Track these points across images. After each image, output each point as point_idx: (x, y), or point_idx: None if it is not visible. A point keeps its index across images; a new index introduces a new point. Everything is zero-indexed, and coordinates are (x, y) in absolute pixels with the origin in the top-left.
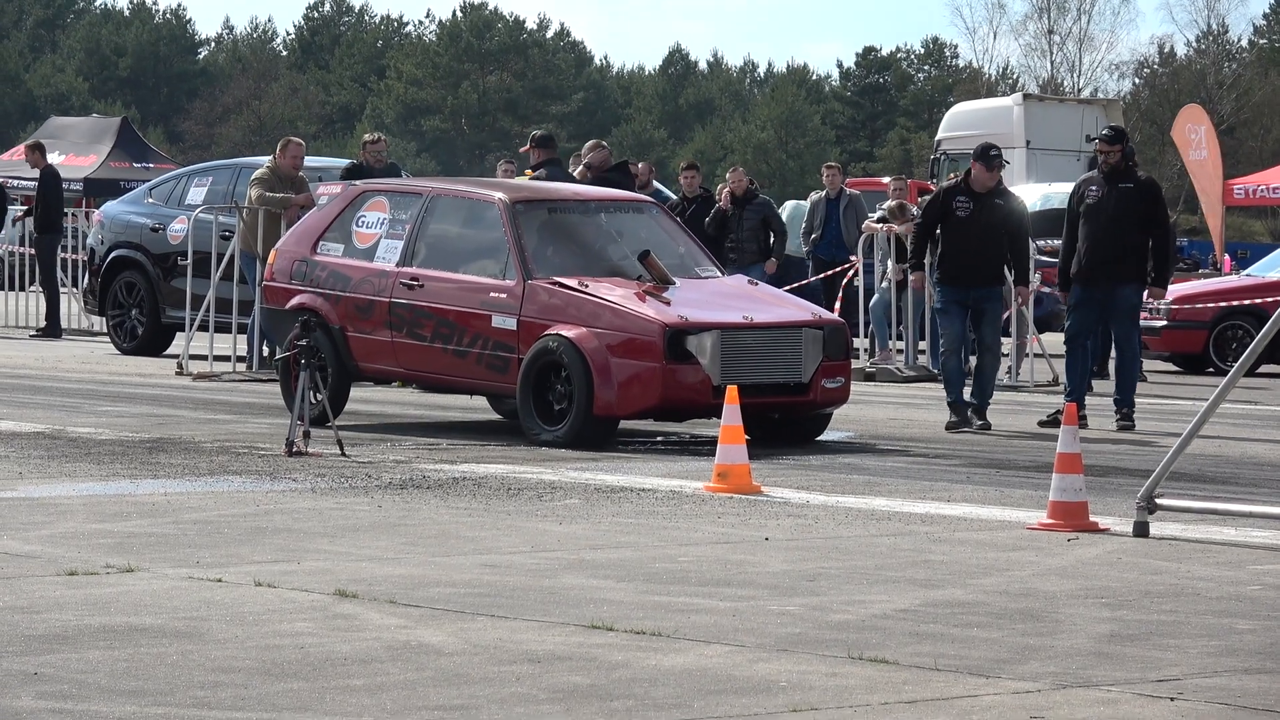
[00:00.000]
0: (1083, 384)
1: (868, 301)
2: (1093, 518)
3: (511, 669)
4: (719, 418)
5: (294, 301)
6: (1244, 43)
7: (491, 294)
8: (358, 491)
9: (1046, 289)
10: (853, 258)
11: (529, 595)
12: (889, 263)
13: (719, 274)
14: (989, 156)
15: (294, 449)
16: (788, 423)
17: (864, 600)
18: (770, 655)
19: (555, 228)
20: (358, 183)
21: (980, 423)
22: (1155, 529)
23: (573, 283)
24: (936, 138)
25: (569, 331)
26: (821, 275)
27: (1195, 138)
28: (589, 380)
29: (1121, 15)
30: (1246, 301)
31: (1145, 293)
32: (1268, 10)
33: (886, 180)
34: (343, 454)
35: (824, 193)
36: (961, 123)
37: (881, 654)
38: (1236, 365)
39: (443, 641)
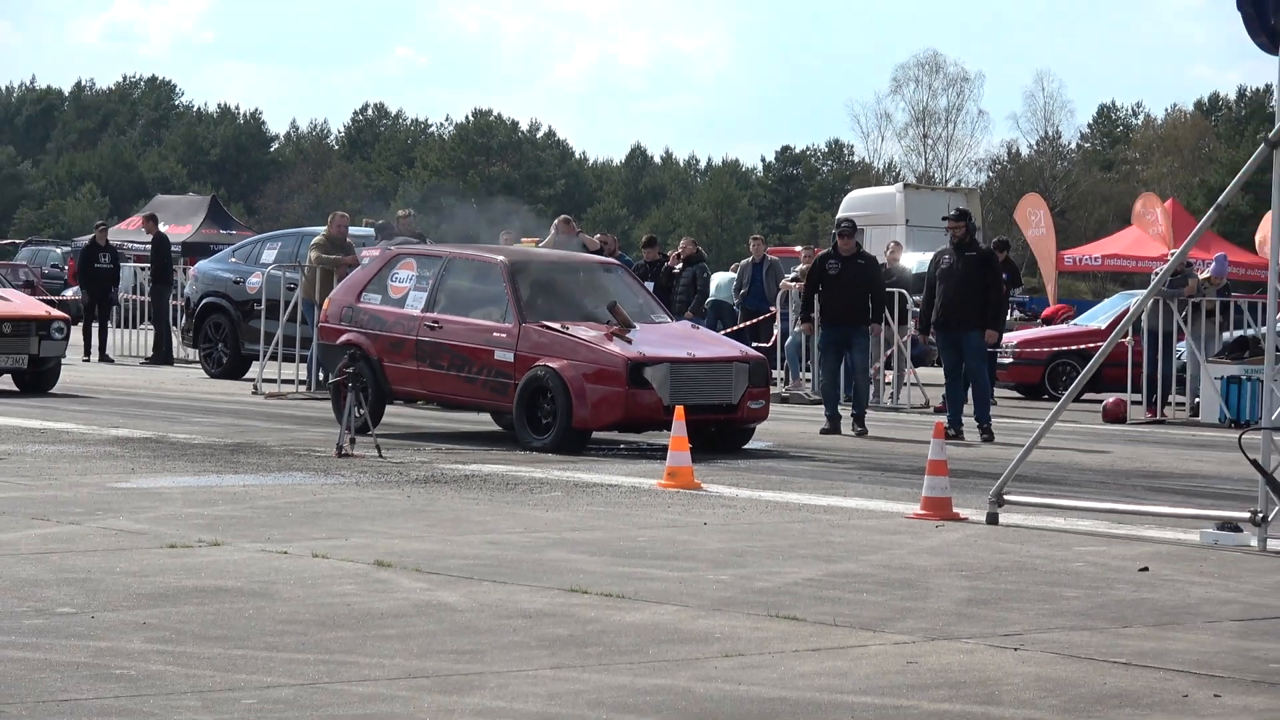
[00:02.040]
0: (957, 409)
1: (784, 342)
2: (956, 509)
3: (510, 622)
4: (668, 430)
5: (342, 339)
6: (1073, 146)
7: (494, 334)
8: (391, 485)
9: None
10: (772, 308)
11: (523, 566)
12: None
13: (669, 320)
14: (842, 228)
15: (342, 452)
16: (721, 435)
17: (780, 572)
18: (708, 613)
19: (544, 283)
20: (392, 248)
21: (859, 429)
22: (1003, 519)
23: (557, 326)
24: (837, 216)
25: (553, 363)
26: (748, 322)
27: (1035, 218)
28: (569, 400)
29: (979, 123)
30: (1073, 346)
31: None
32: (1091, 121)
33: (799, 249)
34: (380, 456)
35: (750, 258)
36: (856, 205)
37: (793, 613)
38: (1067, 393)
39: (456, 600)
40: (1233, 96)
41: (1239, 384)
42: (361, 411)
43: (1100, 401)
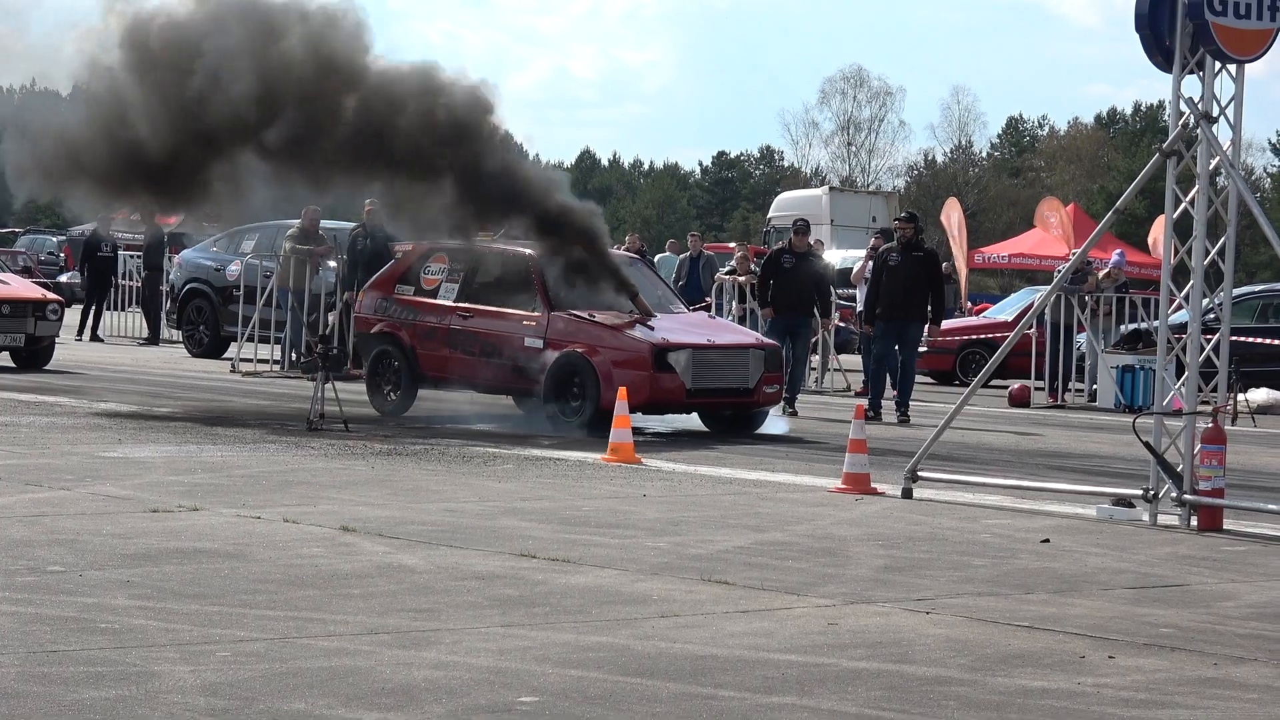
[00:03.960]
0: (879, 394)
1: None
2: (874, 484)
3: (464, 583)
4: (689, 412)
5: (377, 328)
6: (984, 154)
7: (524, 322)
8: (357, 457)
9: (842, 323)
10: (707, 299)
11: (477, 532)
12: (733, 303)
13: (686, 310)
14: (798, 227)
15: (313, 426)
16: (736, 418)
17: (712, 540)
18: (646, 577)
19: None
20: (425, 242)
21: (791, 410)
22: (917, 493)
23: (584, 314)
24: (768, 216)
25: (582, 349)
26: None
27: (952, 219)
28: (597, 384)
29: (899, 133)
30: (982, 336)
31: (925, 329)
32: (1000, 132)
33: (733, 245)
34: (347, 430)
35: (688, 253)
36: (785, 206)
37: (724, 577)
38: (976, 379)
39: (415, 563)
40: (1129, 111)
41: (1133, 373)
42: (329, 393)
43: (1006, 387)
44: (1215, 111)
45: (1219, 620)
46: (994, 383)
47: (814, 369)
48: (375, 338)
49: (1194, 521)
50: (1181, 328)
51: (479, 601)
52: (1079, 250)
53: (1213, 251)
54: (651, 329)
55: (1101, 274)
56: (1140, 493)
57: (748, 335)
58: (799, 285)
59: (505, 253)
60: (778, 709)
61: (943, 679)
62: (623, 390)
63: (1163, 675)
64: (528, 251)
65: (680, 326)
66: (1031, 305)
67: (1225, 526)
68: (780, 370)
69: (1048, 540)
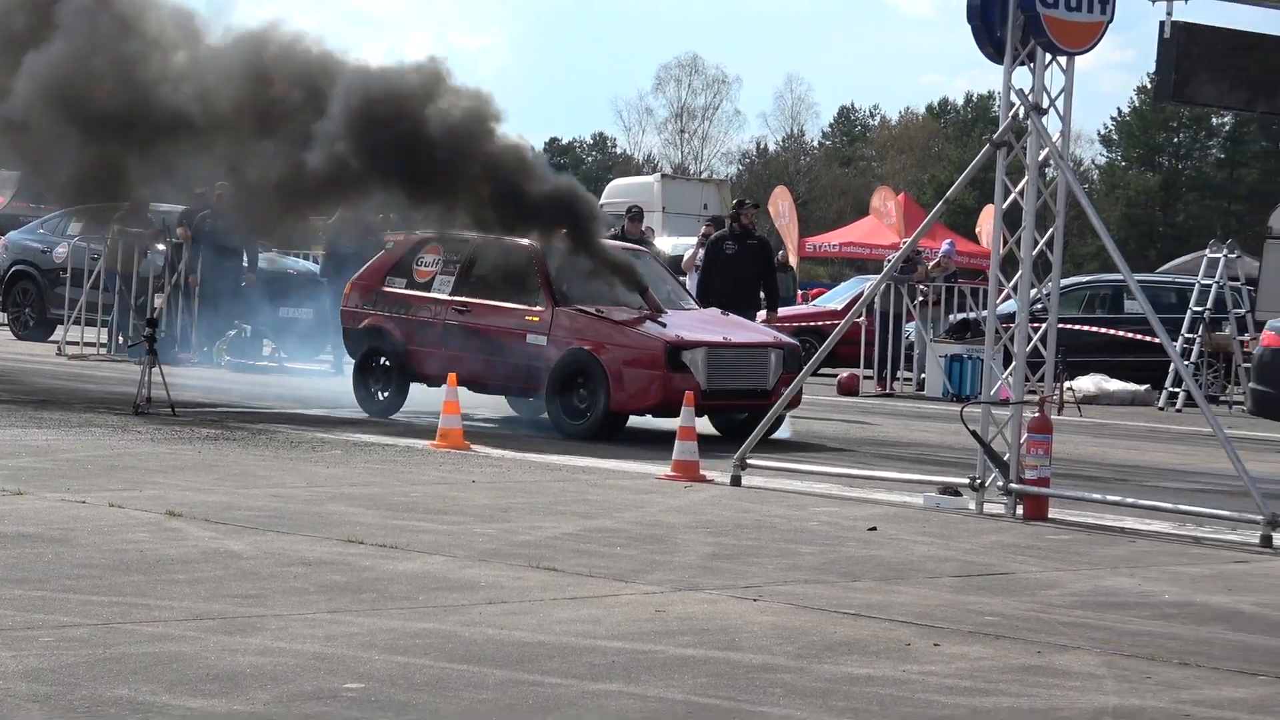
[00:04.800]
0: None
1: None
2: (703, 472)
3: (291, 569)
4: (703, 415)
5: (366, 323)
6: (816, 143)
7: (526, 317)
8: (184, 441)
9: None
10: None
11: (304, 517)
12: None
13: (696, 306)
14: (632, 214)
15: (139, 410)
16: (751, 422)
17: (541, 526)
18: (474, 564)
19: (575, 267)
20: (417, 232)
21: None
22: (746, 481)
23: (591, 309)
24: (600, 202)
25: (590, 347)
26: None
27: (782, 208)
28: (606, 384)
29: (733, 122)
30: (812, 324)
31: (761, 315)
32: (832, 121)
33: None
34: (173, 414)
35: None
36: (617, 192)
37: (553, 564)
38: (806, 367)
39: (242, 549)
40: (961, 101)
41: (961, 362)
42: (156, 377)
43: (836, 376)
44: (1045, 103)
45: (1043, 608)
46: (823, 371)
47: None
48: (363, 333)
49: (1019, 510)
50: (1009, 317)
51: (305, 587)
52: (909, 239)
53: (1041, 242)
54: (663, 325)
55: (931, 263)
56: (967, 481)
57: (765, 333)
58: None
59: (505, 244)
60: (604, 696)
61: (769, 666)
62: (452, 376)
63: (987, 663)
64: (528, 242)
65: (693, 323)
66: (861, 294)
67: (1050, 515)
68: (800, 370)
69: (875, 528)
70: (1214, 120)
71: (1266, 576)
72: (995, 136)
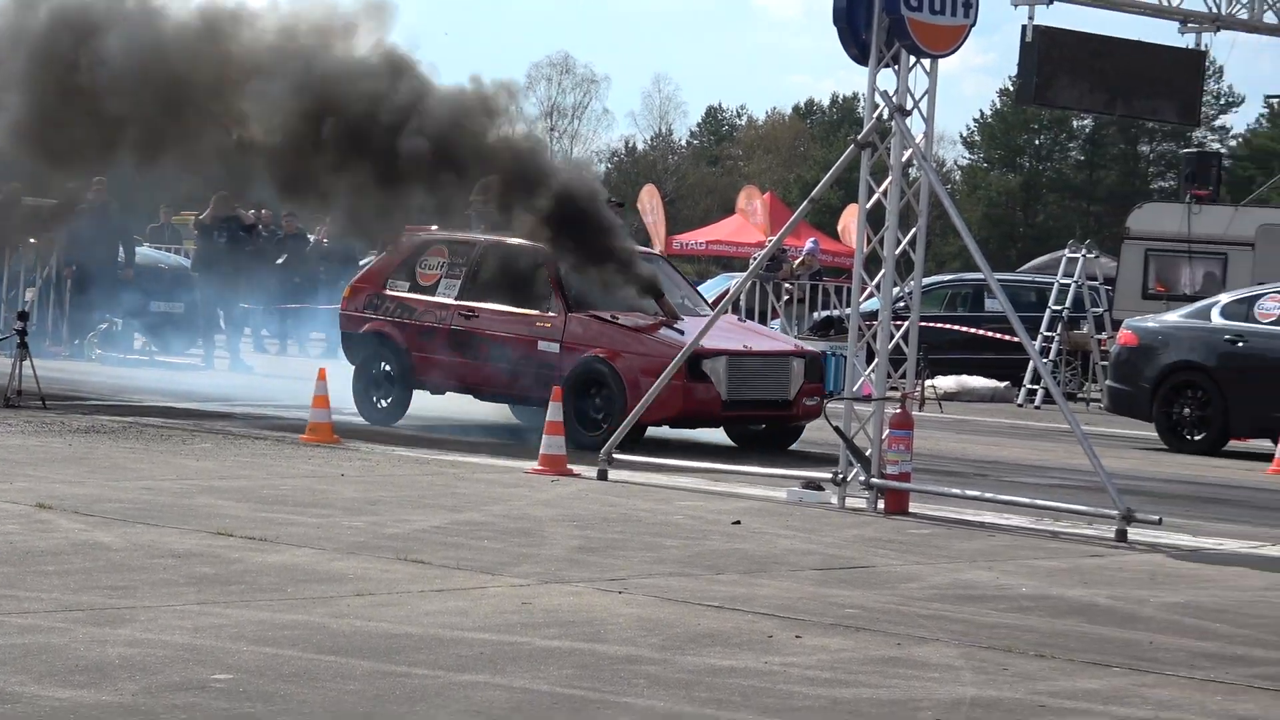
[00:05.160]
0: None
1: None
2: (570, 466)
3: (160, 561)
4: (722, 426)
5: (366, 327)
6: (684, 142)
7: (537, 323)
8: (54, 434)
9: None
10: None
11: (174, 510)
12: None
13: (709, 313)
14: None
15: (9, 402)
16: (770, 432)
17: (409, 519)
18: (343, 556)
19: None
20: (421, 234)
21: None
22: (613, 475)
23: (606, 315)
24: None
25: (606, 354)
26: None
27: (649, 206)
28: (624, 393)
29: (602, 120)
30: None
31: None
32: (700, 120)
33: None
34: (44, 407)
35: None
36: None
37: (420, 557)
38: (672, 364)
39: (112, 541)
40: (826, 102)
41: (825, 359)
42: (27, 370)
43: None
44: (909, 105)
45: (903, 601)
46: None
47: None
48: (364, 338)
49: (881, 505)
50: (872, 315)
51: (175, 579)
52: (774, 238)
53: (904, 241)
54: (681, 332)
55: (796, 261)
56: (830, 476)
57: (786, 341)
58: None
59: (514, 247)
60: (471, 687)
61: (634, 658)
62: (322, 370)
63: (848, 655)
64: (539, 245)
65: (712, 330)
66: (727, 291)
67: (911, 510)
68: (821, 380)
69: (739, 522)
70: (1074, 123)
71: (1121, 570)
72: (860, 137)
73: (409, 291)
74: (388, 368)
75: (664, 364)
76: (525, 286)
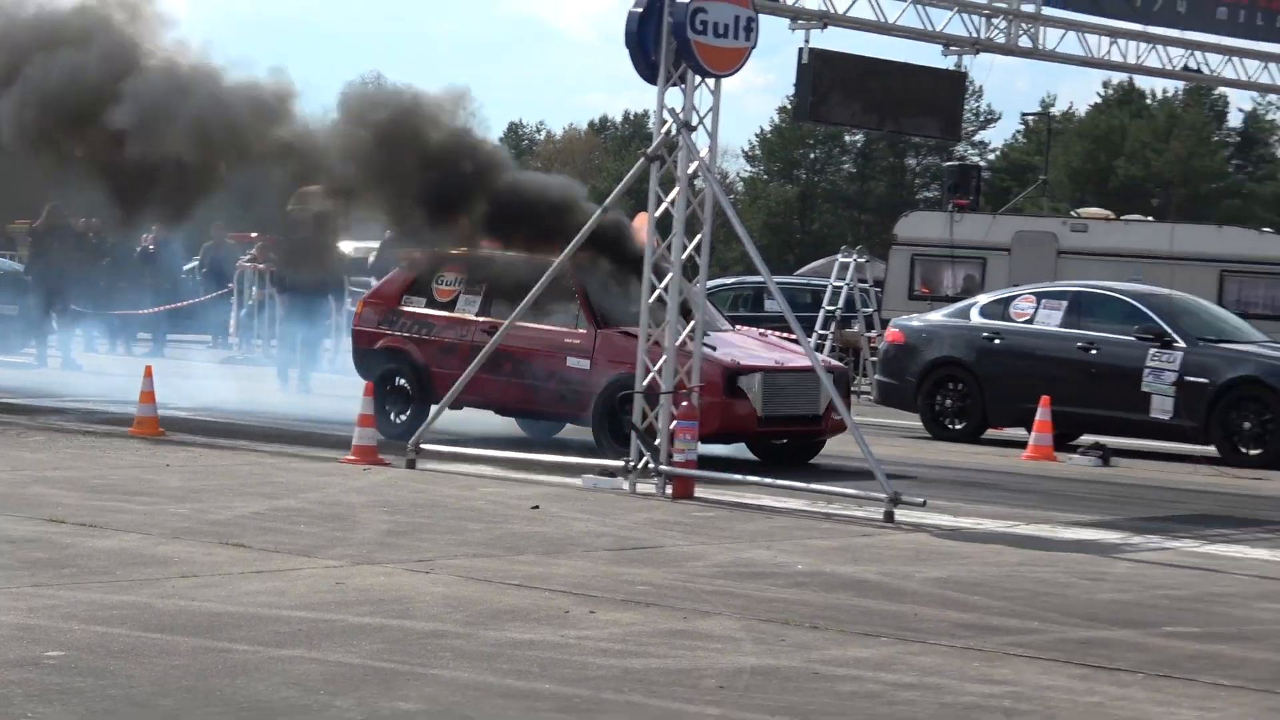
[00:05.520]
0: None
1: (240, 312)
2: (381, 456)
3: None
4: (754, 442)
5: (382, 343)
6: None
7: (566, 339)
8: None
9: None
10: (230, 284)
11: (8, 499)
12: (253, 289)
13: (731, 328)
14: None
15: None
16: (791, 447)
17: (231, 506)
18: (169, 541)
19: (612, 286)
20: (439, 250)
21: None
22: (421, 464)
23: (636, 331)
24: (287, 208)
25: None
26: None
27: None
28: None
29: None
30: None
31: None
32: (501, 136)
33: (254, 235)
34: None
35: (212, 242)
36: (305, 200)
37: (241, 541)
38: (473, 364)
39: None
40: (619, 118)
41: None
42: None
43: None
44: (695, 121)
45: (689, 578)
46: None
47: (327, 350)
48: (379, 354)
49: (669, 490)
50: None
51: (9, 564)
52: (570, 245)
53: (690, 247)
54: (713, 348)
55: None
56: (622, 464)
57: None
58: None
59: (536, 262)
60: (288, 661)
61: (440, 633)
62: (148, 367)
63: (638, 628)
64: (563, 261)
65: (742, 347)
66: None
67: (697, 495)
68: (848, 395)
69: (538, 507)
70: (846, 138)
71: (889, 548)
72: (649, 151)
73: (426, 307)
74: (404, 383)
75: (704, 382)
76: (548, 302)
